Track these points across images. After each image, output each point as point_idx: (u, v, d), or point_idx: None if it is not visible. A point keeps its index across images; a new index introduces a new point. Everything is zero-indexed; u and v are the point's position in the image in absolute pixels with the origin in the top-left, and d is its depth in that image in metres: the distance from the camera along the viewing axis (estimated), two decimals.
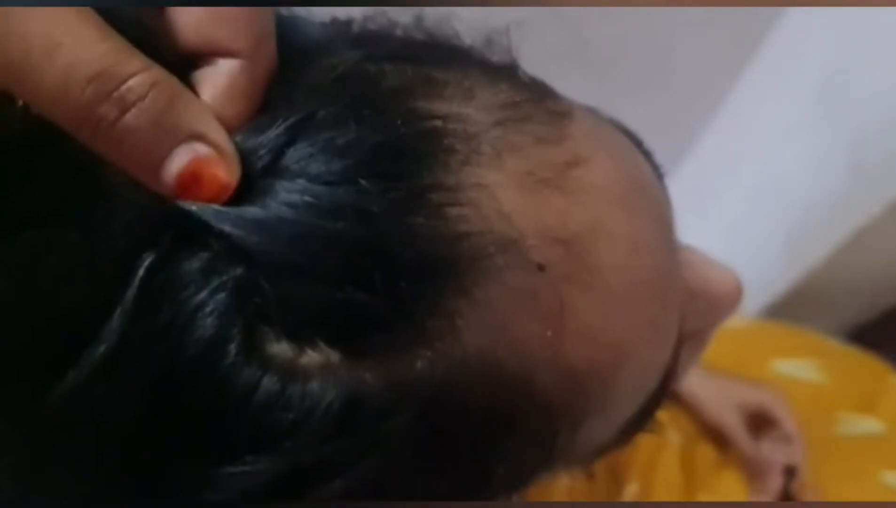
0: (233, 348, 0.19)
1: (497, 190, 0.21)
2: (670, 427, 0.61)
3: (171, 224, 0.19)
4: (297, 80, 0.21)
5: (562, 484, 0.52)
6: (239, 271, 0.19)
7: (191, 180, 0.18)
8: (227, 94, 0.19)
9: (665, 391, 0.26)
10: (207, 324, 0.19)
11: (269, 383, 0.19)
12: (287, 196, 0.19)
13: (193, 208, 0.19)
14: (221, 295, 0.19)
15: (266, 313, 0.19)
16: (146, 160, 0.18)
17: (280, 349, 0.19)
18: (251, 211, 0.19)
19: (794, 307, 0.80)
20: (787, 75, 0.81)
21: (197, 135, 0.18)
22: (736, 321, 0.74)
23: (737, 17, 0.80)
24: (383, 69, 0.22)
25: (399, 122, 0.20)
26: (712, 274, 0.30)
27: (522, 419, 0.22)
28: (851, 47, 0.74)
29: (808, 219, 0.78)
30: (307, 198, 0.19)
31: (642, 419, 0.26)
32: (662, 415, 0.63)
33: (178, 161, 0.18)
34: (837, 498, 0.62)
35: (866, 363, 0.69)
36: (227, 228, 0.19)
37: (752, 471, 0.61)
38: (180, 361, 0.19)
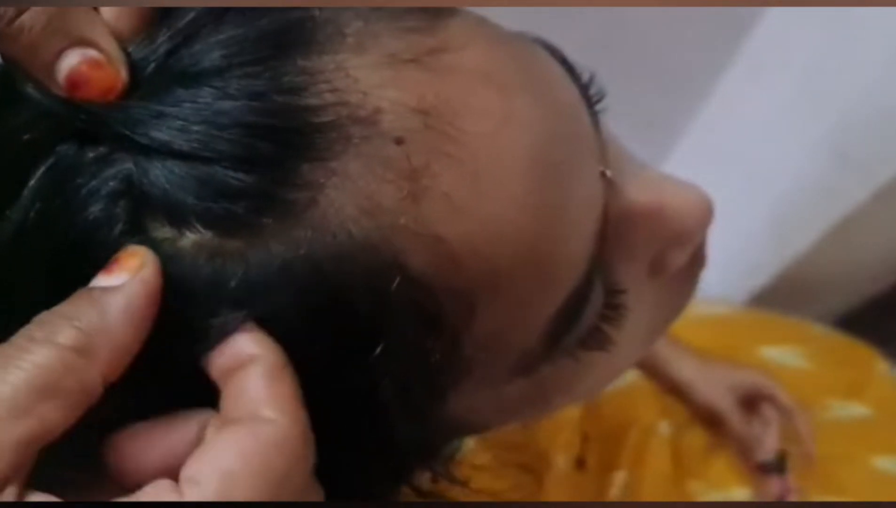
0: (118, 228, 0.21)
1: (356, 71, 0.22)
2: (659, 418, 0.62)
3: (71, 121, 0.21)
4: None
5: (552, 475, 0.52)
6: (128, 162, 0.21)
7: (79, 79, 0.21)
8: (122, 10, 0.22)
9: (587, 295, 0.26)
10: (97, 207, 0.21)
11: None
12: (170, 93, 0.22)
13: (92, 106, 0.21)
14: (111, 183, 0.22)
15: (150, 199, 0.21)
16: (40, 59, 0.21)
17: (162, 232, 0.21)
18: (138, 107, 0.22)
19: (781, 295, 0.81)
20: (772, 65, 0.82)
21: (86, 40, 0.21)
22: (723, 309, 0.74)
23: (722, 8, 0.81)
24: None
25: (265, 21, 0.23)
26: (671, 191, 0.28)
27: (400, 298, 0.22)
28: (837, 37, 0.74)
29: (794, 207, 0.78)
30: (186, 91, 0.22)
31: (571, 323, 0.26)
32: (650, 402, 0.63)
33: (68, 62, 0.21)
34: (828, 484, 0.63)
35: (853, 348, 0.70)
36: (117, 123, 0.21)
37: (744, 452, 0.62)
38: (74, 238, 0.22)
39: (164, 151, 0.21)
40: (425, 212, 0.22)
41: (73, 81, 0.21)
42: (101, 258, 0.21)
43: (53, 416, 0.19)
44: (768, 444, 0.61)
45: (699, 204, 0.29)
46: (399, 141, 0.22)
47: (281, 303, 0.21)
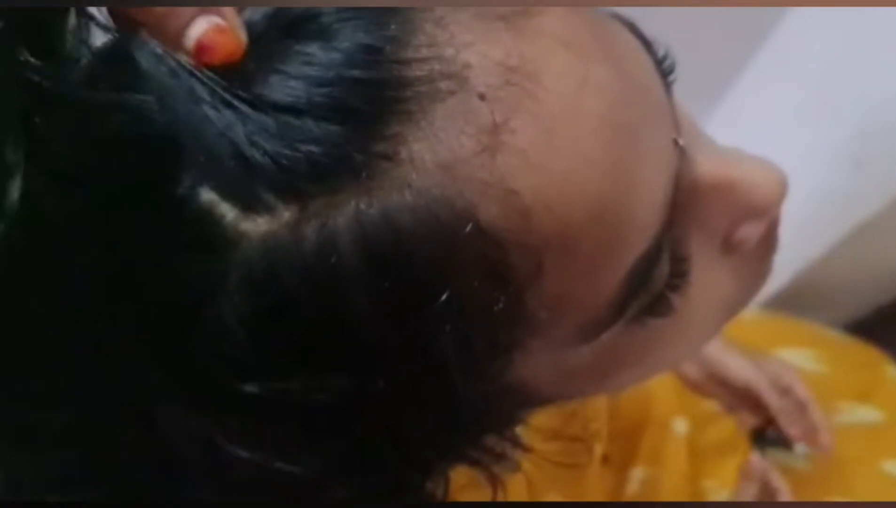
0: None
1: (450, 24, 0.23)
2: (676, 416, 0.63)
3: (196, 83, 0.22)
4: None
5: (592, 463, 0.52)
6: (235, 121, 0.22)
7: (206, 46, 0.22)
8: None
9: (658, 258, 0.26)
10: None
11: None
12: (283, 49, 0.23)
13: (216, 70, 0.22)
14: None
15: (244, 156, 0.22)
16: (173, 24, 0.22)
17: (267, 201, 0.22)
18: (255, 68, 0.23)
19: (795, 300, 0.82)
20: (789, 71, 0.82)
21: (213, 9, 0.22)
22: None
23: (739, 12, 0.81)
24: None
25: None
26: (745, 165, 0.29)
27: (469, 249, 0.23)
28: (855, 44, 0.75)
29: (810, 214, 0.79)
30: (297, 44, 0.23)
31: (638, 288, 0.26)
32: (668, 399, 0.63)
33: (198, 28, 0.22)
34: (837, 487, 0.63)
35: (864, 353, 0.71)
36: (236, 84, 0.22)
37: (779, 428, 0.63)
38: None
39: (258, 107, 0.22)
40: (501, 166, 0.23)
41: (201, 47, 0.22)
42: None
43: None
44: (815, 420, 0.61)
45: (773, 179, 0.29)
46: (482, 96, 0.23)
47: (350, 250, 0.22)
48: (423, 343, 0.23)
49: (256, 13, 0.24)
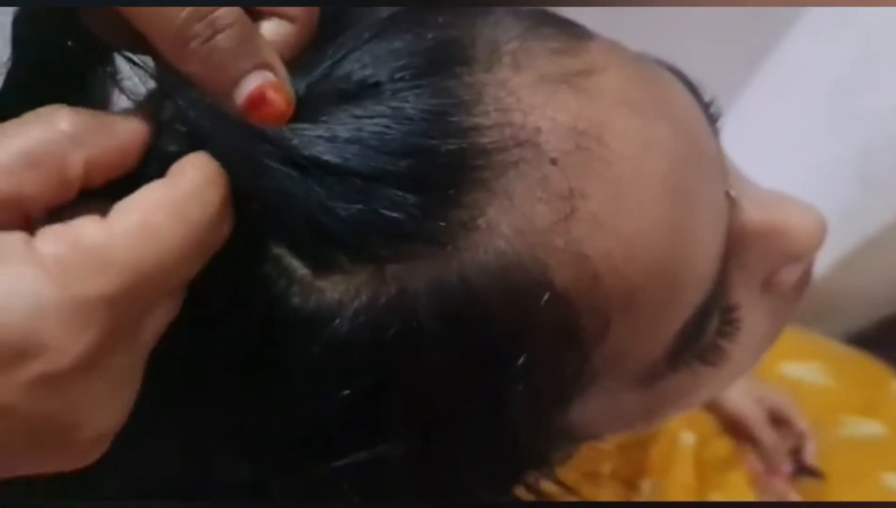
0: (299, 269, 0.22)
1: (516, 89, 0.23)
2: (683, 429, 0.63)
3: (246, 141, 0.22)
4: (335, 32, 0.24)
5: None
6: (291, 183, 0.22)
7: (258, 100, 0.22)
8: (281, 49, 0.23)
9: (714, 309, 0.27)
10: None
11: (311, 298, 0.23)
12: (337, 111, 0.23)
13: (268, 129, 0.22)
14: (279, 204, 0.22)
15: (310, 219, 0.22)
16: (225, 77, 0.22)
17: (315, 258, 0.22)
18: (309, 128, 0.22)
19: (799, 313, 0.82)
20: (796, 86, 0.83)
21: (268, 64, 0.22)
22: None
23: (745, 27, 0.82)
24: (417, 13, 0.25)
25: (429, 35, 0.24)
26: (789, 210, 0.29)
27: (544, 314, 0.23)
28: (861, 60, 0.76)
29: None
30: (353, 108, 0.23)
31: (696, 338, 0.27)
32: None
33: (252, 82, 0.22)
34: (839, 500, 0.64)
35: (869, 367, 0.71)
36: (290, 145, 0.22)
37: (770, 463, 0.63)
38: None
39: (332, 172, 0.22)
40: (575, 231, 0.23)
41: (254, 101, 0.22)
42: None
43: (31, 184, 0.20)
44: (810, 453, 0.62)
45: (815, 224, 0.29)
46: (554, 162, 0.23)
47: (428, 313, 0.22)
48: (493, 400, 0.24)
49: (301, 76, 0.23)
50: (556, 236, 0.23)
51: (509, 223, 0.22)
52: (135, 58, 0.23)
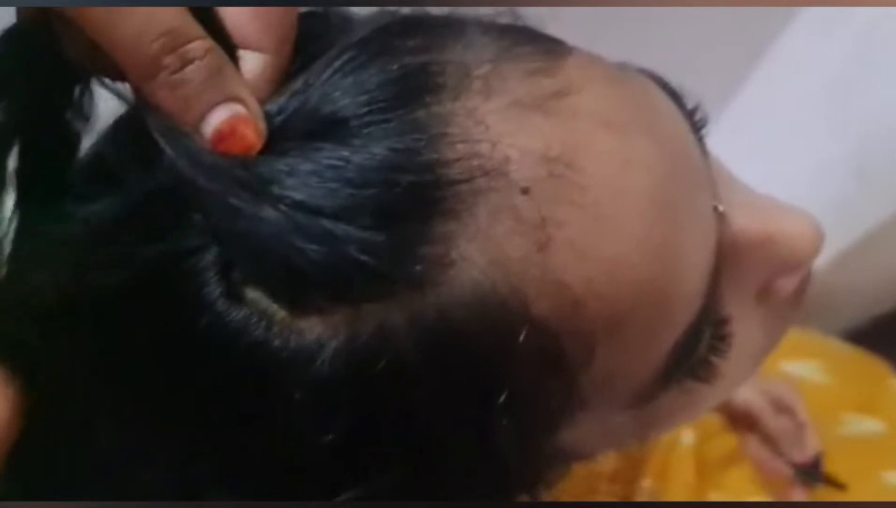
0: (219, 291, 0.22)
1: (486, 117, 0.23)
2: (683, 428, 0.63)
3: (214, 172, 0.21)
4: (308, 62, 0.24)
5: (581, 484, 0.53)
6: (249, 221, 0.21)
7: (227, 134, 0.22)
8: (255, 82, 0.23)
9: (705, 326, 0.26)
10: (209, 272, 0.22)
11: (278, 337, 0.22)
12: (303, 146, 0.22)
13: (234, 161, 0.22)
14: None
15: (269, 261, 0.22)
16: (193, 110, 0.22)
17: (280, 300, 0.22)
18: (273, 162, 0.22)
19: None
20: (792, 84, 0.83)
21: (237, 98, 0.22)
22: None
23: (742, 25, 0.82)
24: (387, 39, 0.24)
25: (397, 64, 0.23)
26: (780, 218, 0.28)
27: (525, 343, 0.22)
28: (858, 57, 0.75)
29: None
30: (318, 144, 0.22)
31: (687, 356, 0.26)
32: None
33: (219, 115, 0.22)
34: (840, 498, 0.64)
35: (867, 363, 0.71)
36: (253, 177, 0.21)
37: (777, 453, 0.63)
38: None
39: (300, 210, 0.21)
40: (551, 260, 0.22)
41: (222, 135, 0.22)
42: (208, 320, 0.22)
43: None
44: (809, 444, 0.62)
45: (810, 231, 0.28)
46: (525, 191, 0.22)
47: (407, 348, 0.22)
48: (480, 431, 0.23)
49: (271, 106, 0.23)
50: (531, 266, 0.22)
51: (483, 254, 0.22)
52: (111, 85, 0.24)
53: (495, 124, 0.23)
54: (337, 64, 0.23)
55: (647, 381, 0.26)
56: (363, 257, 0.21)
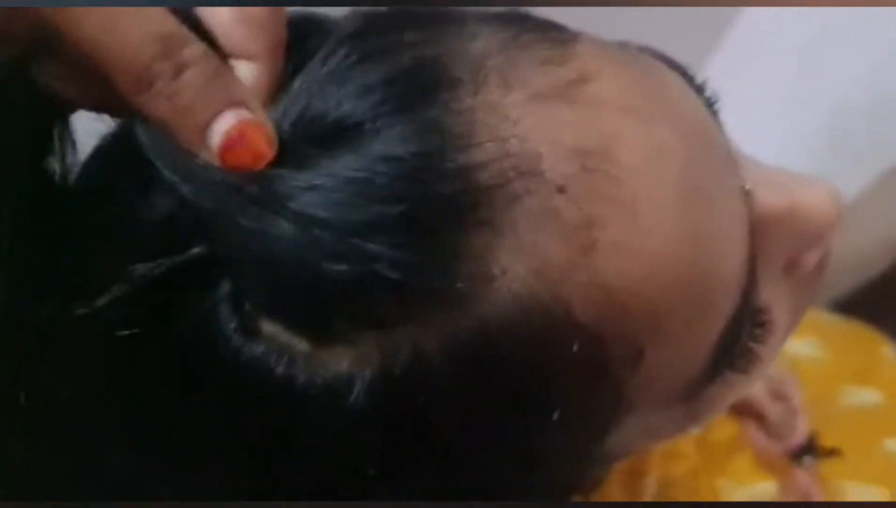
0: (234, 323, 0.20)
1: (508, 112, 0.21)
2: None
3: (224, 190, 0.20)
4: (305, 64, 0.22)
5: None
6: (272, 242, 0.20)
7: (236, 141, 0.20)
8: (259, 74, 0.21)
9: (749, 317, 0.25)
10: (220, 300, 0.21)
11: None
12: (316, 159, 0.20)
13: (246, 175, 0.20)
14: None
15: (288, 287, 0.20)
16: (196, 119, 0.20)
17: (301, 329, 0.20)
18: (289, 177, 0.20)
19: None
20: (761, 56, 0.82)
21: (241, 102, 0.20)
22: None
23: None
24: (384, 33, 0.22)
25: (398, 61, 0.21)
26: (801, 190, 0.27)
27: (571, 353, 0.21)
28: (827, 26, 0.75)
29: None
30: (332, 154, 0.20)
31: (731, 351, 0.25)
32: None
33: (225, 122, 0.20)
34: (844, 470, 0.63)
35: (859, 334, 0.71)
36: (269, 194, 0.20)
37: (777, 440, 0.63)
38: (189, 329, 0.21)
39: (321, 228, 0.20)
40: (596, 263, 0.21)
41: (231, 143, 0.20)
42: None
43: None
44: (800, 429, 0.62)
45: (830, 201, 0.27)
46: (562, 189, 0.20)
47: (447, 371, 0.20)
48: (523, 447, 0.22)
49: (273, 118, 0.21)
50: (575, 272, 0.21)
51: (523, 265, 0.20)
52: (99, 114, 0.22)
53: (521, 119, 0.21)
54: (332, 63, 0.21)
55: (692, 378, 0.25)
56: (395, 277, 0.19)
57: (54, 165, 0.22)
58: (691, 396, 0.25)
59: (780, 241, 0.27)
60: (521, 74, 0.22)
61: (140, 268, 0.20)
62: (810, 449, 0.62)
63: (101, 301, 0.20)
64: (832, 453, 0.62)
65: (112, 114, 0.22)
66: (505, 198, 0.20)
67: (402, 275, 0.19)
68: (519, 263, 0.20)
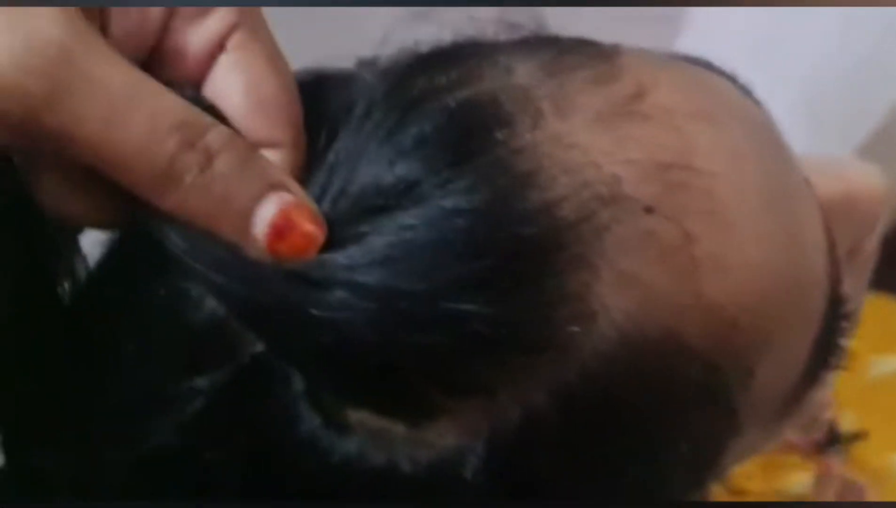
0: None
1: (574, 139, 0.19)
2: None
3: (283, 289, 0.18)
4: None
5: None
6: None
7: (283, 226, 0.18)
8: (287, 153, 0.20)
9: (839, 311, 0.24)
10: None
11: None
12: (369, 230, 0.19)
13: (303, 264, 0.18)
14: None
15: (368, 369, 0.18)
16: (236, 209, 0.18)
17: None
18: (359, 255, 0.18)
19: None
20: (726, 34, 0.82)
21: (281, 183, 0.18)
22: None
23: None
24: (416, 80, 0.21)
25: (440, 108, 0.19)
26: (855, 177, 0.27)
27: (685, 383, 0.20)
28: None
29: None
30: (389, 220, 0.19)
31: (826, 350, 0.24)
32: None
33: (270, 207, 0.18)
34: (881, 438, 0.63)
35: (876, 303, 0.70)
36: (343, 280, 0.18)
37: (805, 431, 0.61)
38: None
39: (400, 299, 0.18)
40: (699, 282, 0.19)
41: (278, 229, 0.18)
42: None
43: None
44: (822, 422, 0.61)
45: (881, 183, 0.28)
46: (650, 210, 0.19)
47: (559, 420, 0.19)
48: (645, 483, 0.21)
49: (314, 194, 0.19)
50: (679, 295, 0.19)
51: (625, 296, 0.19)
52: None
53: (590, 145, 0.19)
54: (369, 126, 0.20)
55: (794, 387, 0.24)
56: (492, 334, 0.18)
57: (64, 287, 0.20)
58: (791, 405, 0.25)
59: (842, 230, 0.26)
60: (576, 98, 0.20)
61: (198, 382, 0.18)
62: (836, 439, 0.61)
63: (161, 431, 0.18)
64: (858, 436, 0.61)
65: (128, 229, 0.20)
66: (593, 230, 0.19)
67: (499, 331, 0.18)
68: (620, 296, 0.19)
